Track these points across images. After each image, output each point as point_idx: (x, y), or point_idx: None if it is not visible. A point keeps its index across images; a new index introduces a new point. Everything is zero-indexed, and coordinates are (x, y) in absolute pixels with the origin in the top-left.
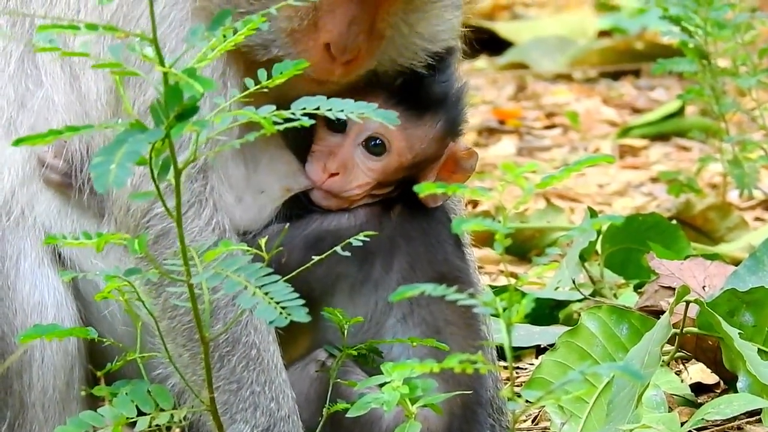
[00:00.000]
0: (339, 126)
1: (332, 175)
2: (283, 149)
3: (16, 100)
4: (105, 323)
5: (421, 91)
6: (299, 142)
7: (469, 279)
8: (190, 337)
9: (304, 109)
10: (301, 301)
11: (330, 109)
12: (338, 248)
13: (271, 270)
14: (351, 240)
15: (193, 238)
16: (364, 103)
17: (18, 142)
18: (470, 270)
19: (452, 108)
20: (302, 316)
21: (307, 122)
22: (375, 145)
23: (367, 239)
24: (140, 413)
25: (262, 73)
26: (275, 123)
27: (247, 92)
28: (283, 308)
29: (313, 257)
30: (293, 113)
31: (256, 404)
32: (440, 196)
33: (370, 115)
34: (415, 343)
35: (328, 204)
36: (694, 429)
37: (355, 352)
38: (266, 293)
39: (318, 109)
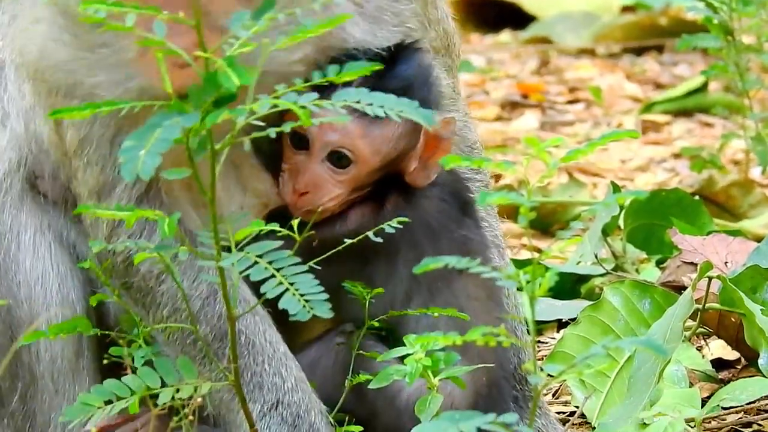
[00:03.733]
0: (302, 143)
1: (303, 194)
2: (257, 167)
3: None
4: (110, 298)
5: (376, 91)
6: (271, 160)
7: (479, 248)
8: (183, 343)
9: (345, 101)
10: (325, 296)
11: (371, 104)
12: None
13: (299, 260)
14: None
15: (153, 260)
16: (406, 99)
17: (54, 113)
18: (482, 237)
19: (419, 94)
20: (324, 311)
21: (345, 118)
22: (339, 159)
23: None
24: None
25: (333, 68)
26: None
27: (310, 83)
28: (306, 301)
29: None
30: (332, 104)
31: (260, 383)
32: (432, 173)
33: (408, 114)
34: (436, 314)
35: (309, 217)
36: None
37: (377, 323)
38: (292, 284)
39: (359, 102)
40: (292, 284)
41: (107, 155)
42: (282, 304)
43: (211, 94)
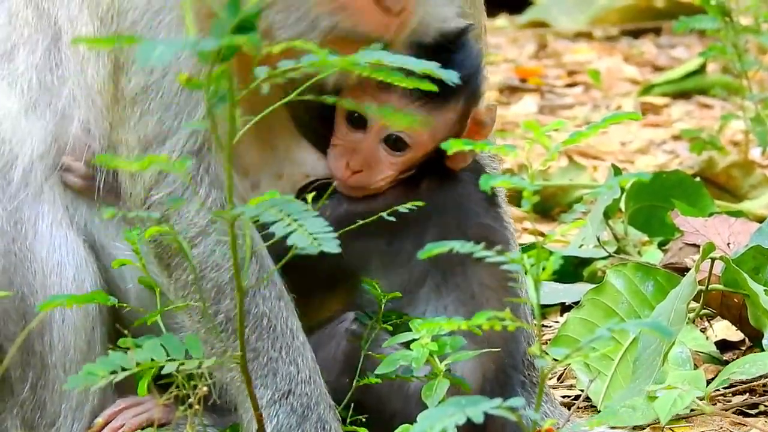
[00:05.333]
0: (360, 123)
1: (356, 172)
2: (298, 137)
3: (40, 87)
4: (126, 285)
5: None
6: (312, 132)
7: (501, 239)
8: (203, 314)
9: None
10: (334, 235)
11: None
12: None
13: (308, 207)
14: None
15: (190, 220)
16: (425, 61)
17: None
18: (504, 230)
19: (474, 81)
20: (332, 247)
21: (398, 77)
22: (396, 142)
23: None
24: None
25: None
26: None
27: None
28: (315, 239)
29: (343, 236)
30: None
31: (275, 370)
32: (468, 155)
33: (433, 72)
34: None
35: (353, 194)
36: (720, 386)
37: (390, 328)
38: (301, 225)
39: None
40: (301, 225)
41: (170, 105)
42: (291, 241)
43: (233, 19)
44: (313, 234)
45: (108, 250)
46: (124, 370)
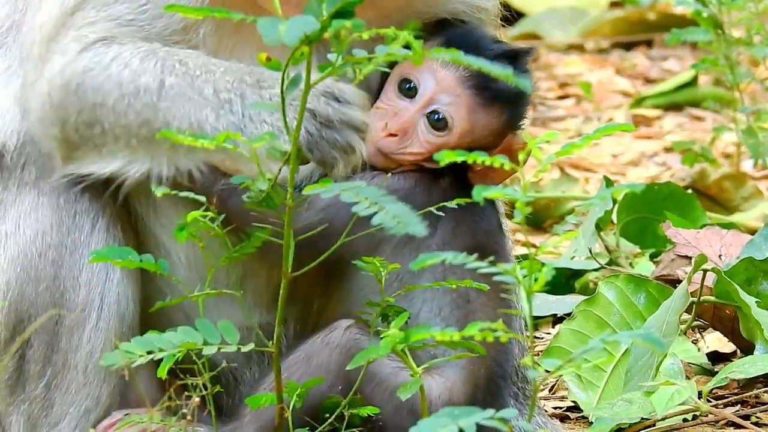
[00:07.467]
0: (410, 91)
1: (390, 135)
2: None
3: None
4: (163, 282)
5: (498, 81)
6: None
7: (505, 254)
8: None
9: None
10: (419, 218)
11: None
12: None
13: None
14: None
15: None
16: (502, 66)
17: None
18: (508, 245)
19: (520, 105)
20: (419, 230)
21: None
22: (438, 120)
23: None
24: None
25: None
26: None
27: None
28: (399, 221)
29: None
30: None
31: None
32: (490, 177)
33: (507, 76)
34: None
35: (374, 161)
36: (712, 398)
37: (402, 343)
38: (382, 207)
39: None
40: (382, 207)
41: None
42: (376, 221)
43: (333, 4)
44: (397, 217)
45: (152, 230)
46: (161, 350)
